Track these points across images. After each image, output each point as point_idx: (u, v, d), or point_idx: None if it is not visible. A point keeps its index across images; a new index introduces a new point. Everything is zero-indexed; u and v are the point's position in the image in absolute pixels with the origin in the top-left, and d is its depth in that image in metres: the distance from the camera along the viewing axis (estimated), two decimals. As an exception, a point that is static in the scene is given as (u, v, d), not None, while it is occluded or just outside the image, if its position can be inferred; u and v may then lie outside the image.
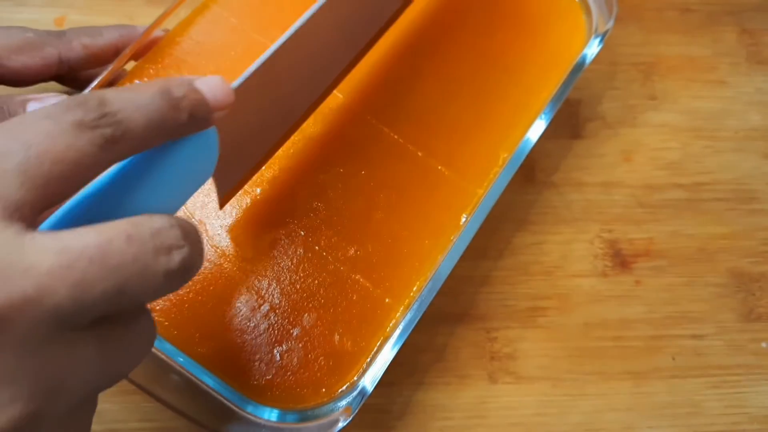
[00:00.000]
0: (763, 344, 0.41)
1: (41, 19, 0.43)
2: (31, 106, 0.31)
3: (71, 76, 0.36)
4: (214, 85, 0.24)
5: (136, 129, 0.21)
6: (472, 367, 0.38)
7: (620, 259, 0.42)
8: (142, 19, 0.44)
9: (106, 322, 0.21)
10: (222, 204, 0.32)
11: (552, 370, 0.39)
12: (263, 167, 0.35)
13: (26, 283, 0.18)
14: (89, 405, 0.22)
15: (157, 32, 0.36)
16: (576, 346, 0.40)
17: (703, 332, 0.41)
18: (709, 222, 0.44)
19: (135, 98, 0.21)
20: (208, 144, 0.25)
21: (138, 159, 0.23)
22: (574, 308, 0.40)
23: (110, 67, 0.34)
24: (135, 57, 0.35)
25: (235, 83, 0.27)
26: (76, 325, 0.19)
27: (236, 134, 0.28)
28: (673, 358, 0.40)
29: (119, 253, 0.19)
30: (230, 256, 0.33)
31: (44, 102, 0.32)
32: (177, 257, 0.21)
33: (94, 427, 0.23)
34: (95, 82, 0.33)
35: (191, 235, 0.22)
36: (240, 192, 0.34)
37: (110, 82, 0.34)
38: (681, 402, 0.39)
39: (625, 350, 0.40)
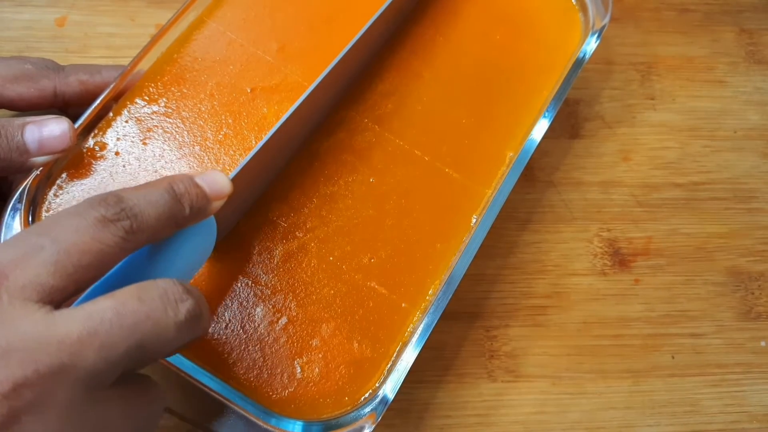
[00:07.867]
0: (762, 343, 0.41)
1: (42, 19, 0.43)
2: (29, 129, 0.32)
3: (66, 109, 0.36)
4: (212, 180, 0.28)
5: (149, 220, 0.25)
6: (472, 366, 0.38)
7: (619, 258, 0.42)
8: (143, 19, 0.44)
9: (123, 382, 0.23)
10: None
11: (551, 368, 0.39)
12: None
13: (61, 353, 0.21)
14: None
15: (136, 73, 0.36)
16: (575, 344, 0.40)
17: (702, 331, 0.41)
18: (707, 221, 0.44)
19: (146, 195, 0.25)
20: (209, 228, 0.29)
21: (149, 246, 0.26)
22: (573, 307, 0.41)
23: (95, 104, 0.34)
24: (116, 97, 0.35)
25: (232, 174, 0.29)
26: (104, 385, 0.22)
27: (232, 202, 0.30)
28: (672, 357, 0.40)
29: (133, 312, 0.23)
30: (245, 272, 0.33)
31: (43, 125, 0.32)
32: (183, 309, 0.24)
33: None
34: (83, 117, 0.34)
35: (193, 291, 0.25)
36: (251, 209, 0.34)
37: (97, 117, 0.34)
38: (680, 400, 0.39)
39: (623, 349, 0.40)
